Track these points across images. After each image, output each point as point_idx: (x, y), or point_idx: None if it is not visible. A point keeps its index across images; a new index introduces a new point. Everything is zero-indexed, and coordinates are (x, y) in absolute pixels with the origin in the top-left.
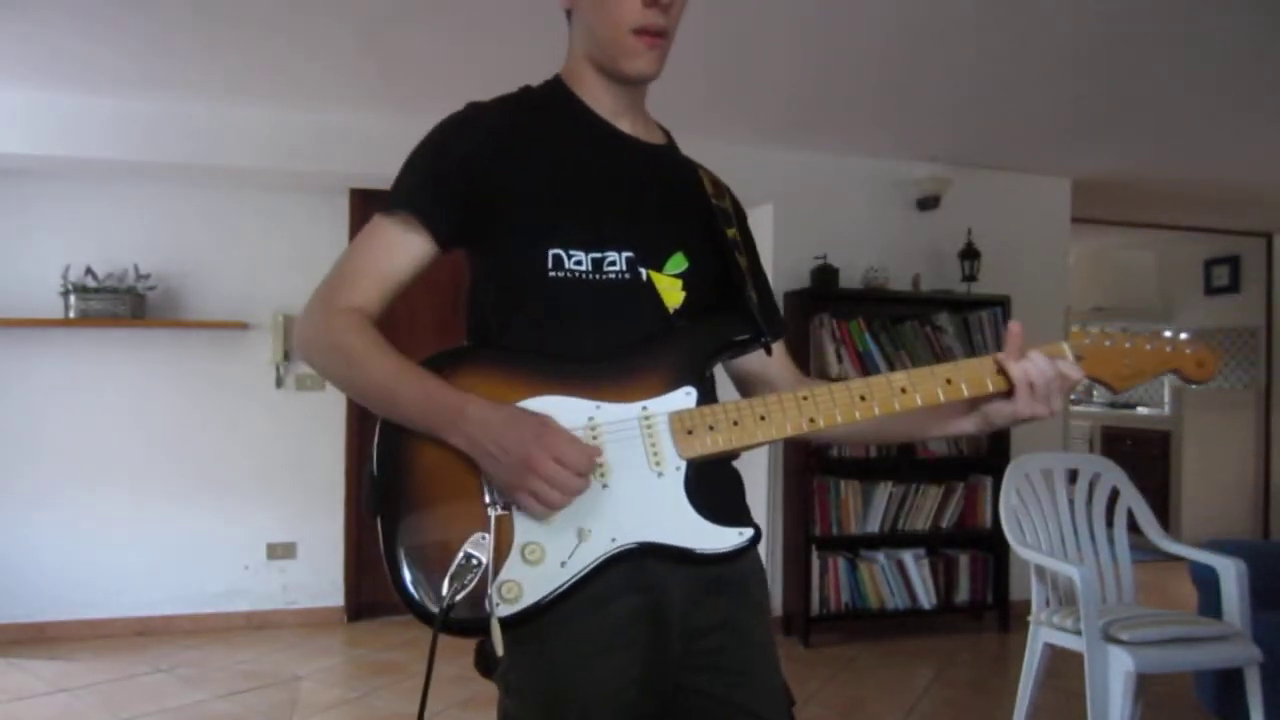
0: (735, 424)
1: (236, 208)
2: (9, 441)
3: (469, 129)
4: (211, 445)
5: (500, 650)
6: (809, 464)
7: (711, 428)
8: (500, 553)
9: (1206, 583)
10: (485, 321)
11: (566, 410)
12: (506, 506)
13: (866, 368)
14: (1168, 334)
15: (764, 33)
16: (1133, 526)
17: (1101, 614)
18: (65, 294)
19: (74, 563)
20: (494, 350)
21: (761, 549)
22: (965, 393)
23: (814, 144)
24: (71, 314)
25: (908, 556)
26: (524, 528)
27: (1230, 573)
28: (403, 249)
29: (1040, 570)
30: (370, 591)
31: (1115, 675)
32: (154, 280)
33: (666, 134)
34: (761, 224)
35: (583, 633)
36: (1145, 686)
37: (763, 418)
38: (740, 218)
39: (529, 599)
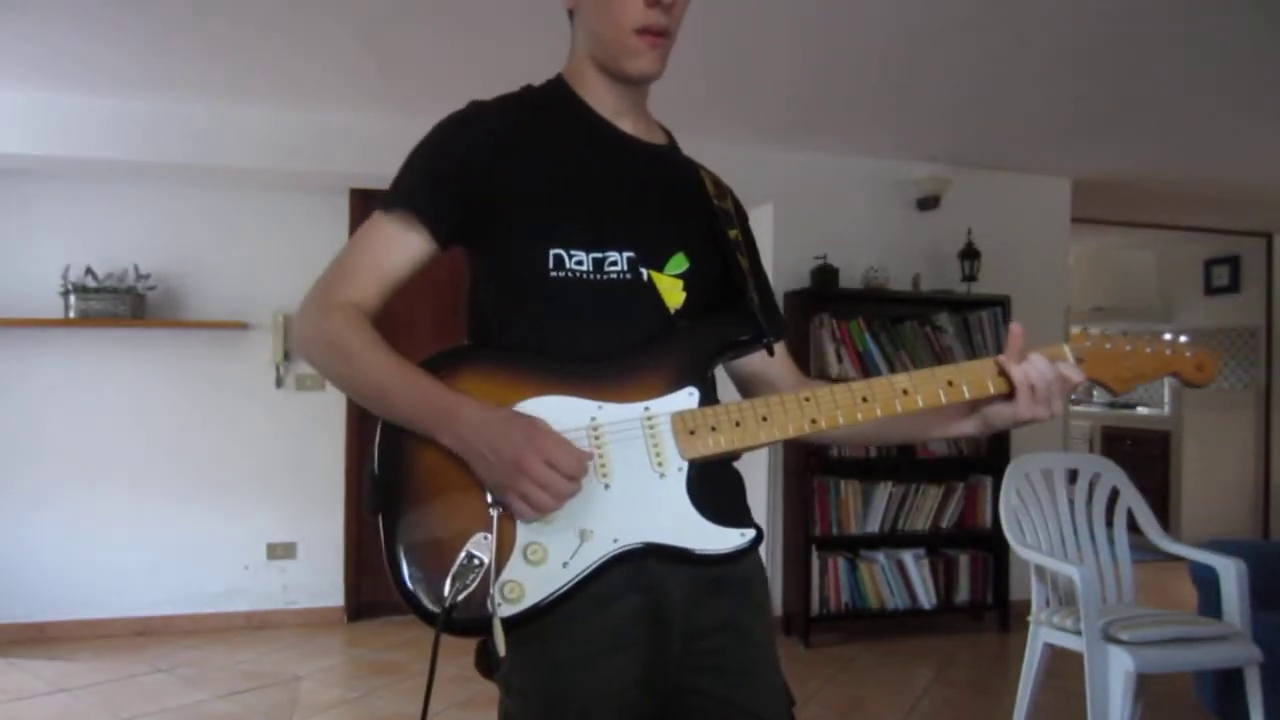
0: (737, 425)
1: (236, 208)
2: (9, 441)
3: (470, 128)
4: (211, 445)
5: (502, 650)
6: (809, 464)
7: (714, 428)
8: (502, 553)
9: (1206, 583)
10: (486, 321)
11: (568, 410)
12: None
13: (866, 368)
14: (1168, 337)
15: (764, 33)
16: (1133, 526)
17: (1101, 614)
18: (65, 294)
19: (74, 563)
20: (494, 350)
21: (761, 549)
22: (966, 395)
23: (814, 144)
24: (71, 314)
25: (908, 556)
26: (526, 528)
27: (1230, 573)
28: (402, 247)
29: (1040, 570)
30: (370, 591)
31: (1115, 675)
32: (154, 280)
33: (668, 134)
34: (761, 224)
35: (585, 633)
36: (1145, 686)
37: (765, 418)
38: (741, 218)
39: (531, 599)
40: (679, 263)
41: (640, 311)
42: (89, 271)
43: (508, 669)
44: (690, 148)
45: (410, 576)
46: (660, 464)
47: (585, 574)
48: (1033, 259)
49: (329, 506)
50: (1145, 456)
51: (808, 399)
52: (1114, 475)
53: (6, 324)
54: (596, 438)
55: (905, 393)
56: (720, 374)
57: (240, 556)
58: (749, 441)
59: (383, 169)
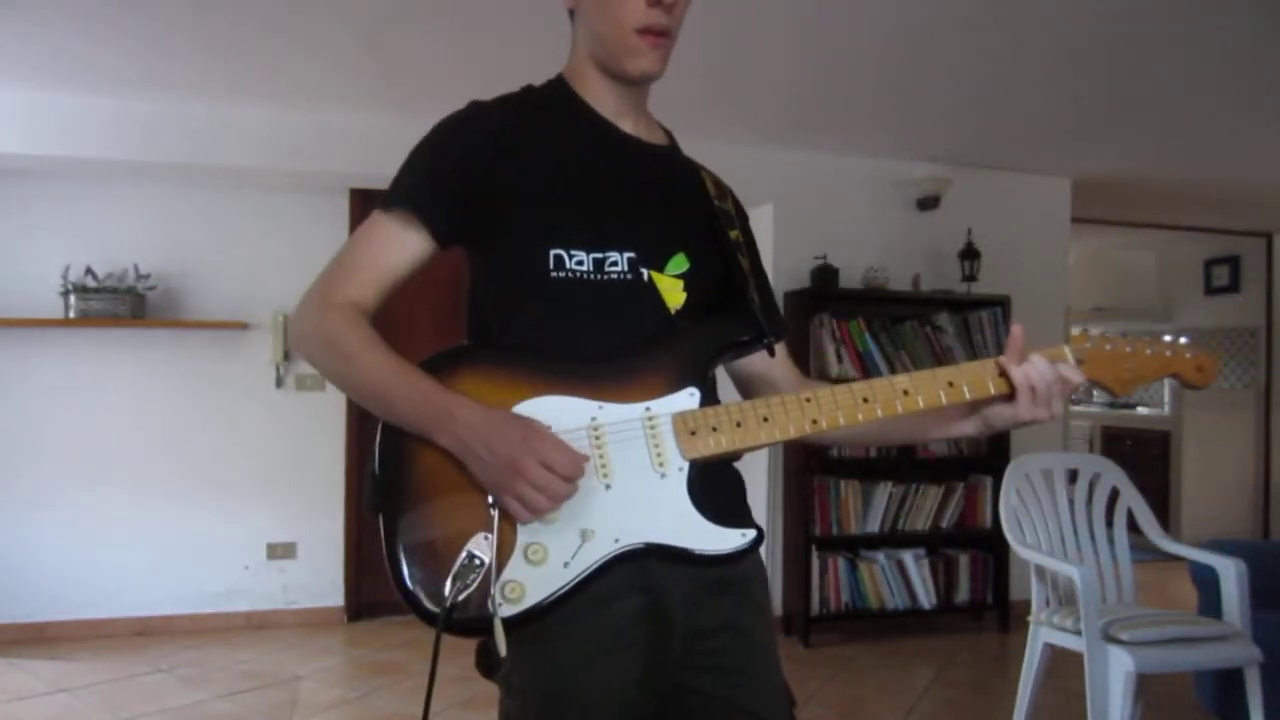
0: (738, 425)
1: (236, 208)
2: (9, 441)
3: (470, 127)
4: (211, 445)
5: (503, 651)
6: (809, 464)
7: (714, 429)
8: (503, 553)
9: (1206, 583)
10: (486, 321)
11: (569, 410)
12: None
13: (866, 368)
14: (1168, 338)
15: (764, 33)
16: (1133, 526)
17: (1101, 614)
18: (65, 294)
19: (74, 563)
20: (495, 350)
21: (761, 549)
22: (967, 395)
23: (814, 144)
24: (71, 314)
25: (908, 556)
26: (527, 528)
27: (1230, 573)
28: (401, 246)
29: (1040, 570)
30: (370, 591)
31: (1115, 675)
32: (154, 280)
33: (669, 135)
34: (761, 224)
35: (585, 633)
36: (1145, 686)
37: (766, 419)
38: (742, 219)
39: (532, 599)
40: (679, 263)
41: (641, 312)
42: (89, 271)
43: (508, 669)
44: (690, 148)
45: (410, 576)
46: (661, 464)
47: (586, 574)
48: (1033, 259)
49: (329, 506)
50: (1145, 456)
51: (808, 400)
52: (1114, 475)
53: (6, 324)
54: (597, 438)
55: (906, 393)
56: (721, 375)
57: (240, 556)
58: (750, 442)
59: (383, 169)
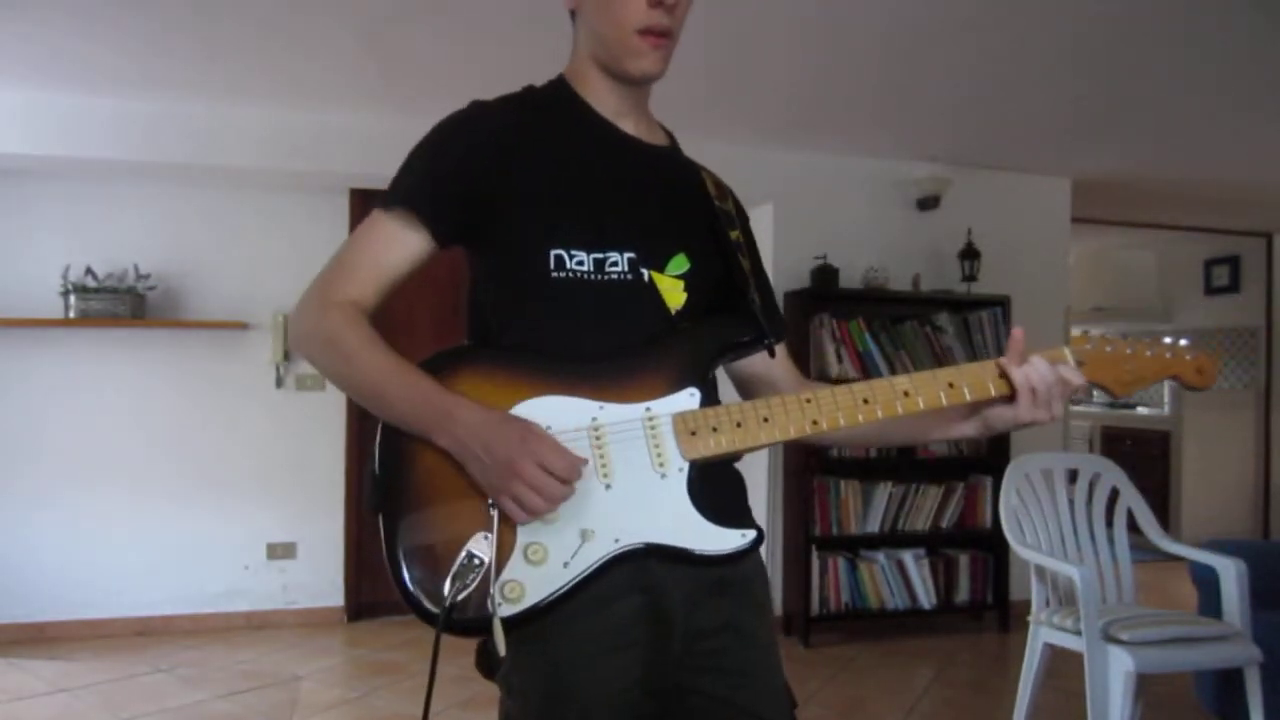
0: (739, 425)
1: (236, 208)
2: (9, 441)
3: (471, 127)
4: (211, 445)
5: (502, 650)
6: (809, 464)
7: (715, 429)
8: (503, 552)
9: (1206, 583)
10: (486, 321)
11: (569, 411)
12: None
13: (866, 368)
14: (1168, 340)
15: (764, 33)
16: (1133, 526)
17: (1101, 614)
18: (65, 294)
19: (74, 563)
20: (495, 350)
21: (762, 549)
22: (967, 396)
23: (814, 144)
24: (71, 314)
25: (908, 556)
26: (527, 528)
27: (1230, 573)
28: (401, 245)
29: (1040, 570)
30: (370, 591)
31: (1115, 675)
32: (154, 280)
33: (669, 135)
34: (761, 224)
35: (585, 633)
36: (1145, 686)
37: (766, 419)
38: (742, 220)
39: (531, 599)
40: (680, 263)
41: (641, 312)
42: (89, 271)
43: (508, 669)
44: (690, 148)
45: (410, 576)
46: (661, 464)
47: (586, 574)
48: (1033, 259)
49: (329, 506)
50: (1145, 456)
51: (809, 400)
52: (1114, 475)
53: (6, 324)
54: (598, 438)
55: (906, 394)
56: (721, 375)
57: (240, 556)
58: (750, 442)
59: (383, 169)
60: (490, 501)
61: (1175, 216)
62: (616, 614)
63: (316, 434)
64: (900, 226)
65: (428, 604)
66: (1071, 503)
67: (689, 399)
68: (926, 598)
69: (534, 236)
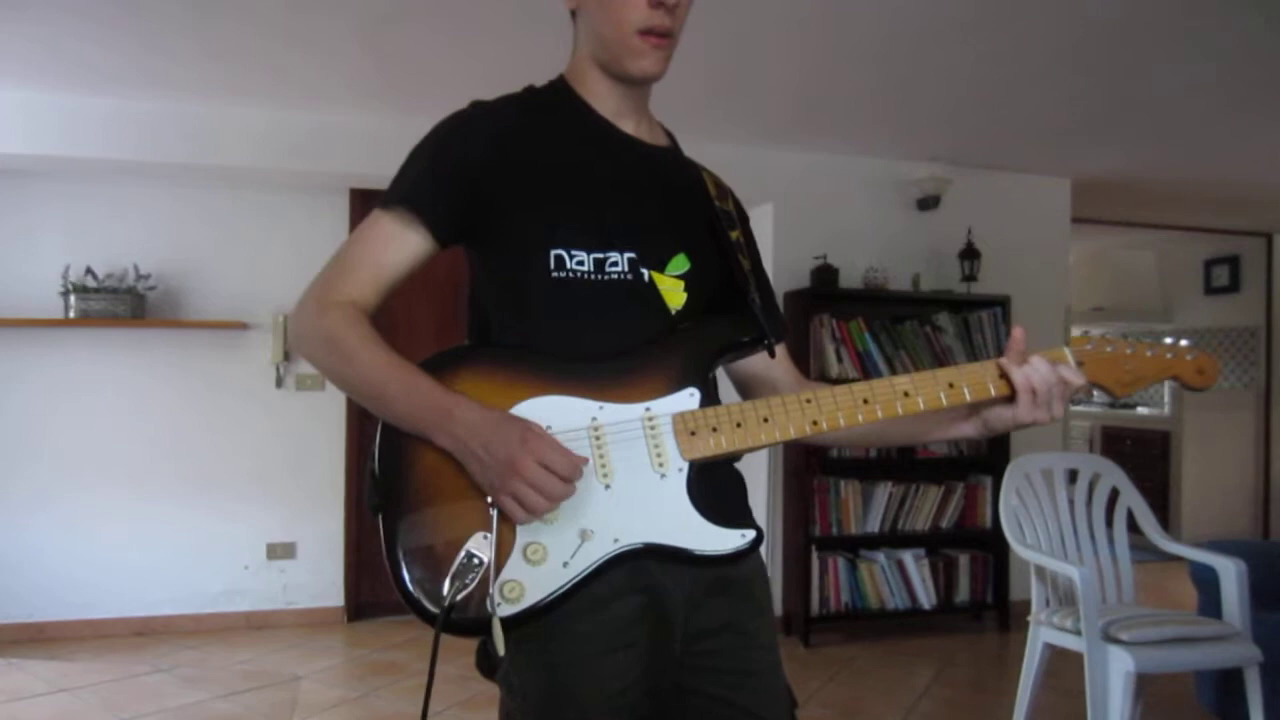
0: (738, 426)
1: (236, 208)
2: (9, 441)
3: (472, 127)
4: (211, 445)
5: (501, 650)
6: (809, 464)
7: (715, 429)
8: (502, 552)
9: (1206, 583)
10: (486, 321)
11: (569, 410)
12: None
13: (866, 368)
14: (1169, 340)
15: (764, 33)
16: (1133, 526)
17: (1101, 614)
18: (65, 294)
19: (74, 563)
20: (495, 350)
21: (762, 549)
22: (967, 397)
23: (814, 144)
24: (71, 314)
25: (908, 556)
26: (526, 528)
27: (1230, 573)
28: (401, 244)
29: (1040, 570)
30: (370, 591)
31: (1115, 675)
32: (154, 280)
33: (670, 136)
34: (761, 224)
35: (585, 633)
36: (1145, 686)
37: (766, 420)
38: (743, 220)
39: (531, 599)
40: (680, 264)
41: (641, 312)
42: (89, 271)
43: (508, 668)
44: (691, 148)
45: (410, 576)
46: (661, 464)
47: (585, 574)
48: (1033, 259)
49: (329, 506)
50: (1145, 456)
51: (809, 400)
52: (1114, 475)
53: (6, 324)
54: (597, 438)
55: (906, 394)
56: (721, 375)
57: (240, 556)
58: (750, 443)
59: (383, 169)
60: (490, 501)
61: (1175, 216)
62: (616, 614)
63: (316, 434)
64: (900, 226)
65: (427, 604)
66: (1071, 503)
67: (689, 399)
68: (926, 598)
69: (534, 236)
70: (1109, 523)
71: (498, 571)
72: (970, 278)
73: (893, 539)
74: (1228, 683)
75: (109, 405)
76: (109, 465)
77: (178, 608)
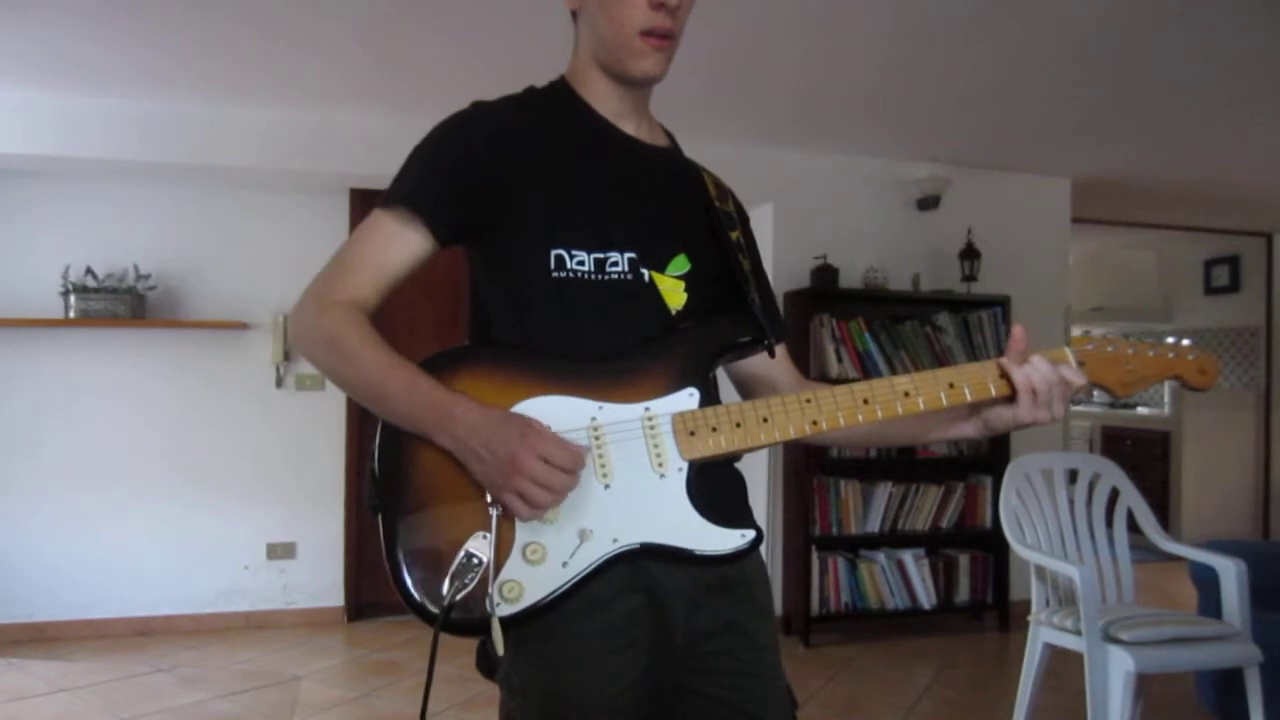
0: (738, 425)
1: (236, 208)
2: (9, 441)
3: (472, 127)
4: (211, 445)
5: (501, 650)
6: (809, 464)
7: (714, 429)
8: (501, 552)
9: (1206, 583)
10: (486, 321)
11: (569, 410)
12: None
13: (866, 368)
14: (1170, 340)
15: (764, 33)
16: (1133, 526)
17: (1101, 614)
18: (65, 294)
19: (74, 563)
20: (495, 349)
21: (762, 549)
22: (968, 397)
23: (814, 144)
24: (71, 314)
25: (908, 556)
26: (525, 527)
27: (1230, 573)
28: (401, 244)
29: (1040, 570)
30: (370, 591)
31: (1115, 675)
32: (154, 280)
33: (670, 136)
34: (761, 224)
35: (585, 633)
36: (1145, 686)
37: (765, 420)
38: (743, 220)
39: (530, 599)
40: (680, 264)
41: (641, 312)
42: (89, 271)
43: (508, 669)
44: (691, 148)
45: (410, 576)
46: (660, 464)
47: (585, 574)
48: (1033, 259)
49: (329, 506)
50: (1145, 456)
51: (809, 400)
52: (1114, 475)
53: (6, 324)
54: (597, 438)
55: (906, 394)
56: (721, 375)
57: (240, 556)
58: (750, 442)
59: (383, 169)
60: (490, 500)
61: (1175, 216)
62: (616, 614)
63: (316, 434)
64: (900, 226)
65: (427, 604)
66: (1071, 503)
67: (688, 399)
68: (926, 598)
69: (535, 236)
70: (1109, 523)
71: (497, 571)
72: (970, 278)
73: (893, 539)
74: (1228, 683)
75: (109, 405)
76: (109, 465)
77: (178, 608)
